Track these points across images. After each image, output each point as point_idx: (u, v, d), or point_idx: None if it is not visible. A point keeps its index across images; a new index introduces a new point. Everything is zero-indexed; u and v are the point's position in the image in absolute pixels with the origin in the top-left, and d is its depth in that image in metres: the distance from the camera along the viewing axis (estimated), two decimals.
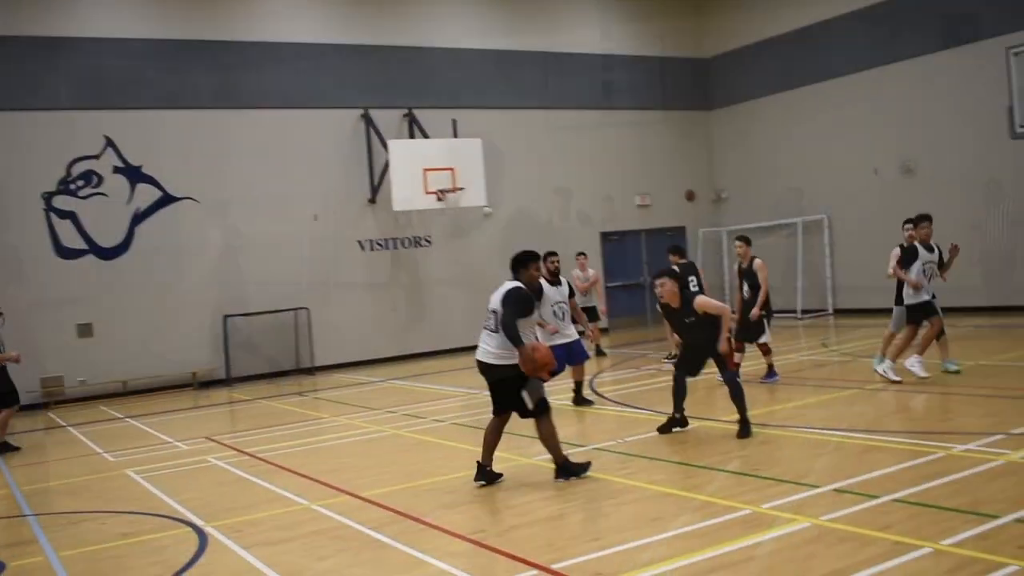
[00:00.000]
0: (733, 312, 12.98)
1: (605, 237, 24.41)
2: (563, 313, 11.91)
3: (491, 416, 8.51)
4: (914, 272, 12.11)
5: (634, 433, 10.29)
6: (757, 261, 13.06)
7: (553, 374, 11.57)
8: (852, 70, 22.46)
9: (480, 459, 8.41)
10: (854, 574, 5.34)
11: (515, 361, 7.96)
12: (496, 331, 8.13)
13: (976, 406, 10.11)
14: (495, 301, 8.24)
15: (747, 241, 13.30)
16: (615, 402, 12.65)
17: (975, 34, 19.66)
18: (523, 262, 8.46)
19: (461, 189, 19.70)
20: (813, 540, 6.06)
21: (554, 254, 12.27)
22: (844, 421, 9.91)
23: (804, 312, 22.76)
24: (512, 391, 8.20)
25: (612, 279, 24.44)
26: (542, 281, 11.70)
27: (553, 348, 11.58)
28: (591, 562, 5.98)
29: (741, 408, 9.58)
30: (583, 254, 18.38)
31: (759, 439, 9.48)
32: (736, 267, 13.42)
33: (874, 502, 6.74)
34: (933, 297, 12.23)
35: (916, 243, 12.39)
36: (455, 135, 21.03)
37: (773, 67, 24.42)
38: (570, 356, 11.87)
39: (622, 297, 24.74)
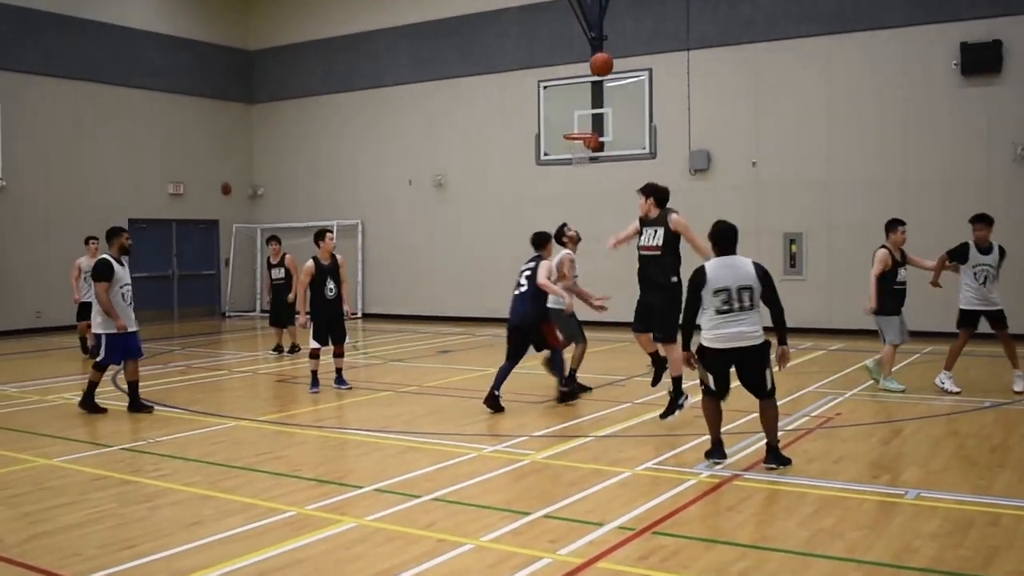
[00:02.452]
0: (305, 313, 12.44)
1: (132, 224, 22.96)
2: (131, 298, 10.96)
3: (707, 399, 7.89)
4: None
5: (165, 432, 9.73)
6: (340, 256, 12.58)
7: (101, 368, 10.74)
8: (394, 82, 23.29)
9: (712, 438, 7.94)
10: (401, 572, 5.40)
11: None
12: (753, 308, 7.51)
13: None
14: (743, 278, 7.49)
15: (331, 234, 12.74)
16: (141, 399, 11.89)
17: (510, 64, 21.29)
18: (736, 236, 7.71)
19: None
20: (360, 540, 6.05)
21: (124, 230, 11.15)
22: (380, 422, 10.10)
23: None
24: (759, 368, 7.62)
25: (137, 270, 23.00)
26: (112, 260, 10.71)
27: (118, 338, 10.69)
28: (126, 572, 5.51)
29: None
30: (94, 239, 16.64)
31: (297, 439, 9.40)
32: (312, 263, 12.30)
33: (415, 501, 6.91)
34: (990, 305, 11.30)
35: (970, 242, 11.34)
36: None
37: (319, 69, 24.60)
38: (130, 349, 10.90)
39: (148, 289, 23.45)
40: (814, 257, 18.27)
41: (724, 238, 7.66)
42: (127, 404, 10.98)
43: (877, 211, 17.46)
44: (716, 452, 7.84)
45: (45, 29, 21.19)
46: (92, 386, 10.92)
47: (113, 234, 11.08)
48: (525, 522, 6.35)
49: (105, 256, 10.88)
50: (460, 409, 10.90)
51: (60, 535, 6.29)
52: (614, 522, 6.29)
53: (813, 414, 10.13)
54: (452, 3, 22.34)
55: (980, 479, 7.39)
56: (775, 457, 7.70)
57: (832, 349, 15.78)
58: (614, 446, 8.84)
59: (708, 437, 7.93)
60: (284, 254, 16.50)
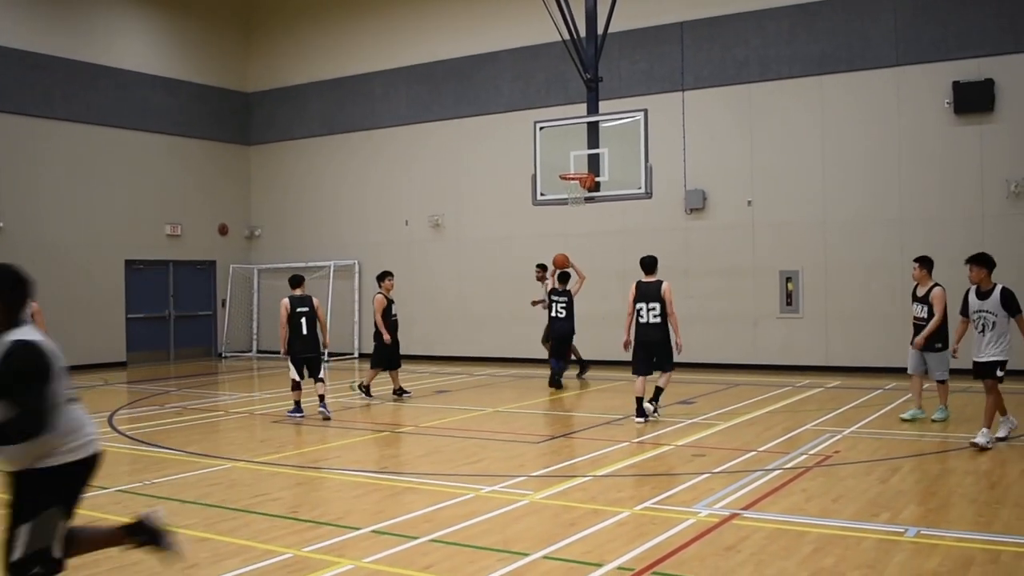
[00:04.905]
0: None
1: (130, 265, 23.05)
2: None
3: None
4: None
5: (161, 474, 9.69)
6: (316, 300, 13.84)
7: None
8: (391, 124, 23.41)
9: None
10: None
11: None
12: None
13: (498, 450, 10.74)
14: None
15: None
16: (137, 440, 11.87)
17: (506, 105, 21.46)
18: None
19: None
20: None
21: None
22: (377, 463, 10.08)
23: (331, 355, 22.98)
24: None
25: (134, 310, 23.12)
26: None
27: None
28: None
29: None
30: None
31: (295, 480, 9.36)
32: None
33: (413, 543, 6.87)
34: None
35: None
36: None
37: (316, 111, 24.75)
38: None
39: (143, 330, 23.47)
40: (810, 295, 18.30)
41: None
42: None
43: (872, 249, 17.59)
44: None
45: (42, 72, 21.29)
46: None
47: None
48: (524, 563, 6.31)
49: None
50: (457, 449, 10.87)
51: None
52: (613, 563, 6.26)
53: (811, 452, 10.10)
54: (448, 45, 22.53)
55: (979, 516, 7.36)
56: None
57: (829, 387, 15.77)
58: (612, 486, 8.81)
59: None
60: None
